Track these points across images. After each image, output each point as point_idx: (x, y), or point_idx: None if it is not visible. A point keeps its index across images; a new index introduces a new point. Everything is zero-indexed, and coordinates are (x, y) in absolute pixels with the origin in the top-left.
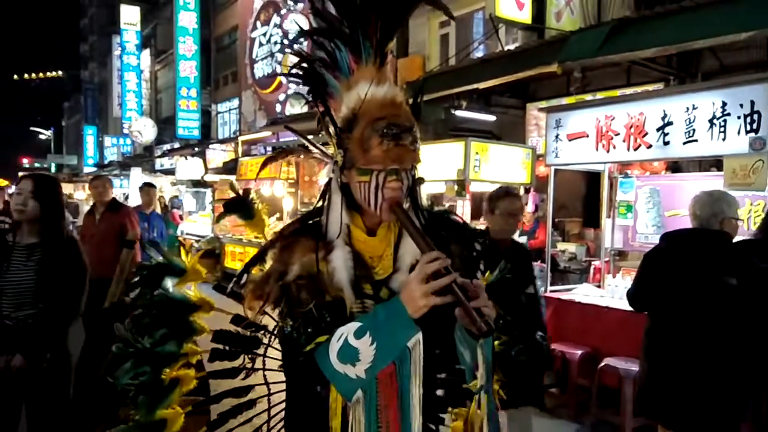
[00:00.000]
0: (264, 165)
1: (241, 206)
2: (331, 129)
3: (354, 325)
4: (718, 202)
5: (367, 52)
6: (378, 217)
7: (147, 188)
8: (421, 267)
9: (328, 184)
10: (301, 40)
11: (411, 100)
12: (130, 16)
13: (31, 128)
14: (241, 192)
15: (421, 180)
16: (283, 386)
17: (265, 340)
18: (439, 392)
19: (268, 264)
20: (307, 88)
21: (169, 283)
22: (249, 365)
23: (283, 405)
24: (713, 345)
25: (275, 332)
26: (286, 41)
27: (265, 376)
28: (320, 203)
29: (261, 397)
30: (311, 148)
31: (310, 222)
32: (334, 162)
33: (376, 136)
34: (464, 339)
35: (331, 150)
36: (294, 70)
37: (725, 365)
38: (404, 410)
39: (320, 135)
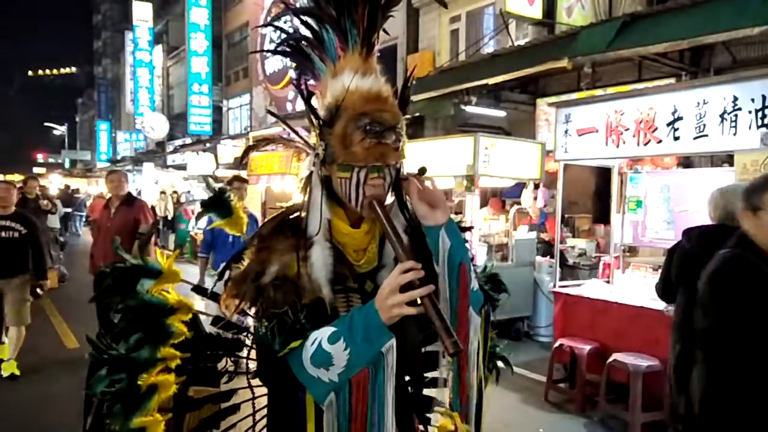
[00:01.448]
0: (245, 154)
1: (217, 204)
2: (314, 118)
3: (328, 330)
4: (731, 197)
5: (354, 40)
6: (360, 213)
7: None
8: (394, 276)
9: (308, 177)
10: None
11: (398, 93)
12: (142, 12)
13: (46, 124)
14: (217, 190)
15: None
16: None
17: (249, 342)
18: (427, 392)
19: (247, 262)
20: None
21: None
22: (231, 368)
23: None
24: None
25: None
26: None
27: (248, 379)
28: (301, 196)
29: (245, 401)
30: (293, 136)
31: (291, 217)
32: (315, 154)
33: (358, 133)
34: None
35: (313, 140)
36: (281, 47)
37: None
38: (378, 414)
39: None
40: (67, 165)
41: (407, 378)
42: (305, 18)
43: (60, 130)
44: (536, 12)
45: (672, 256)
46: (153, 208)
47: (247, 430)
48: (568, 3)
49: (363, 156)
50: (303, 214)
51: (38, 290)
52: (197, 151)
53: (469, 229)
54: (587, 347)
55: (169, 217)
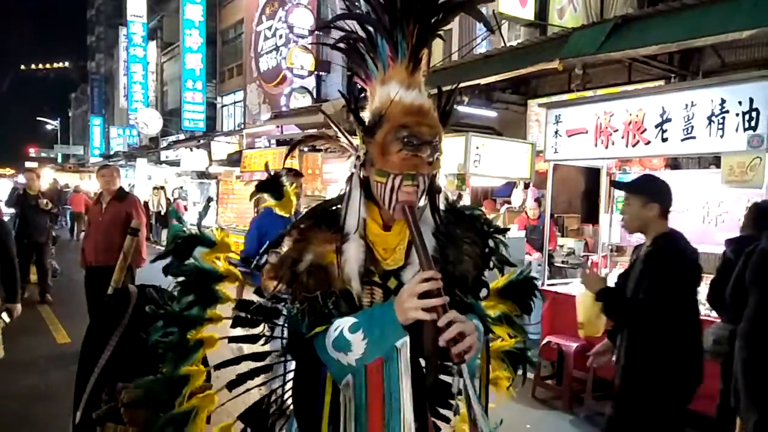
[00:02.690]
0: (292, 149)
1: (273, 186)
2: (358, 124)
3: (350, 320)
4: None
5: (403, 53)
6: (392, 216)
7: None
8: (414, 282)
9: (350, 178)
10: (305, 34)
11: (441, 107)
12: (136, 8)
13: (38, 118)
14: (274, 174)
15: (438, 189)
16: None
17: (285, 312)
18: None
19: (285, 249)
20: (311, 83)
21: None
22: (268, 333)
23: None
24: None
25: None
26: (292, 35)
27: (282, 343)
28: (342, 192)
29: (277, 363)
30: (339, 134)
31: (328, 211)
32: (357, 156)
33: (396, 144)
34: None
35: (356, 141)
36: (340, 44)
37: None
38: (392, 404)
39: (345, 122)
40: (59, 160)
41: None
42: (363, 23)
43: (53, 124)
44: (528, 13)
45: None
46: (146, 203)
47: (276, 388)
48: (560, 5)
49: (398, 165)
50: (341, 211)
51: (3, 317)
52: (191, 147)
53: (506, 230)
54: (574, 344)
55: (162, 213)
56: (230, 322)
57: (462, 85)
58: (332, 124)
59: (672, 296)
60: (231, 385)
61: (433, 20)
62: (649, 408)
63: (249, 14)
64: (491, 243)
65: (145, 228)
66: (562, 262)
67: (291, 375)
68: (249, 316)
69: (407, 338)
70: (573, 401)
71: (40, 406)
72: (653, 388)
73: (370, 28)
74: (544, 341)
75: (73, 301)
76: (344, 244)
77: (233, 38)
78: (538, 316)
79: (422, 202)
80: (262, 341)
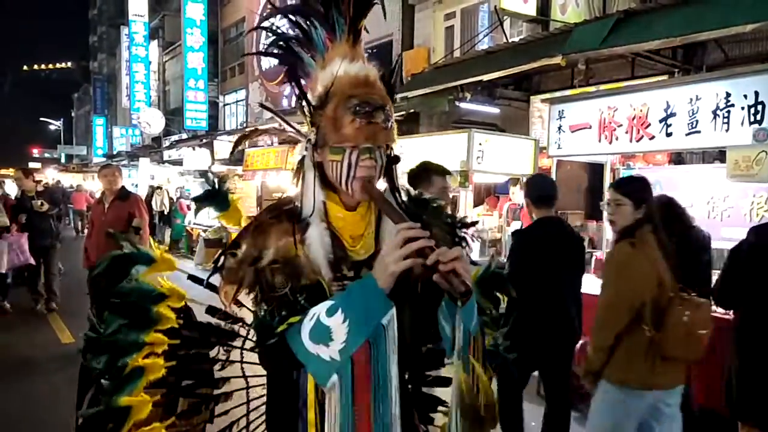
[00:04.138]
0: (237, 144)
1: (214, 197)
2: (306, 109)
3: (326, 304)
4: None
5: (341, 29)
6: (352, 197)
7: None
8: (395, 234)
9: (301, 162)
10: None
11: (385, 78)
12: (138, 7)
13: (41, 119)
14: (216, 182)
15: (397, 159)
16: (263, 380)
17: (243, 333)
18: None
19: (243, 248)
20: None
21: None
22: (223, 357)
23: (262, 399)
24: None
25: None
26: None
27: (242, 368)
28: (294, 183)
29: (238, 390)
30: (284, 126)
31: (285, 208)
32: (308, 140)
33: (348, 114)
34: (446, 310)
35: (305, 128)
36: (271, 49)
37: None
38: (380, 392)
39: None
40: (63, 160)
41: (406, 375)
42: (294, 18)
43: (56, 125)
44: (531, 9)
45: (737, 256)
46: (149, 203)
47: (240, 417)
48: (562, 0)
49: (354, 136)
50: (297, 199)
51: None
52: (193, 147)
53: (473, 224)
54: (579, 341)
55: (166, 212)
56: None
57: (464, 81)
58: (275, 115)
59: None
60: (182, 416)
61: None
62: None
63: (250, 13)
64: (460, 233)
65: (147, 227)
66: None
67: (255, 403)
68: (200, 337)
69: (393, 310)
70: (577, 398)
71: (43, 406)
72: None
73: (302, 22)
74: None
75: (77, 301)
76: (305, 232)
77: (235, 37)
78: None
79: (381, 184)
80: (218, 366)
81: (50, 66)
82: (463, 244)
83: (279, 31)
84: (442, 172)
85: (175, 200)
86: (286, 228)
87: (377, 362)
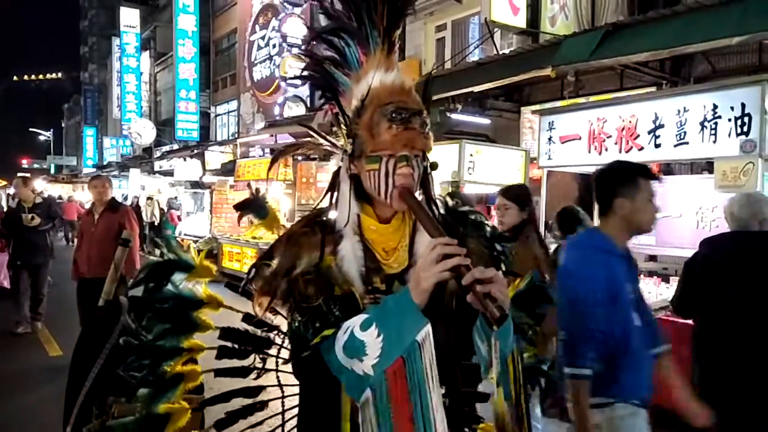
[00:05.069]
0: (275, 160)
1: (255, 206)
2: (342, 122)
3: (360, 317)
4: (758, 203)
5: (375, 42)
6: (389, 207)
7: None
8: (431, 246)
9: (336, 174)
10: (299, 44)
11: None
12: (129, 18)
13: (31, 129)
14: (255, 192)
15: (435, 165)
16: (298, 389)
17: (278, 341)
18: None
19: (276, 261)
20: (304, 92)
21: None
22: (260, 365)
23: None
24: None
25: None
26: (285, 44)
27: (278, 377)
28: (329, 195)
29: (274, 399)
30: (320, 139)
31: (318, 219)
32: (344, 151)
33: (385, 121)
34: (482, 331)
35: (340, 142)
36: (305, 72)
37: None
38: (421, 409)
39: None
40: (52, 171)
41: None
42: (329, 38)
43: (45, 135)
44: (521, 21)
45: (691, 268)
46: (139, 214)
47: (275, 428)
48: (551, 12)
49: (391, 143)
50: (331, 211)
51: None
52: (184, 157)
53: (513, 239)
54: None
55: (156, 223)
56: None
57: (456, 92)
58: (311, 130)
59: None
60: (220, 425)
61: None
62: None
63: (242, 24)
64: (498, 247)
65: (138, 238)
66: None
67: (291, 413)
68: (237, 346)
69: (429, 327)
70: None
71: (30, 420)
72: None
73: (336, 42)
74: None
75: (66, 314)
76: (338, 244)
77: (227, 48)
78: None
79: (418, 195)
80: (253, 375)
81: (40, 76)
82: (502, 258)
83: (312, 54)
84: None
85: (165, 211)
86: (318, 240)
87: (413, 378)
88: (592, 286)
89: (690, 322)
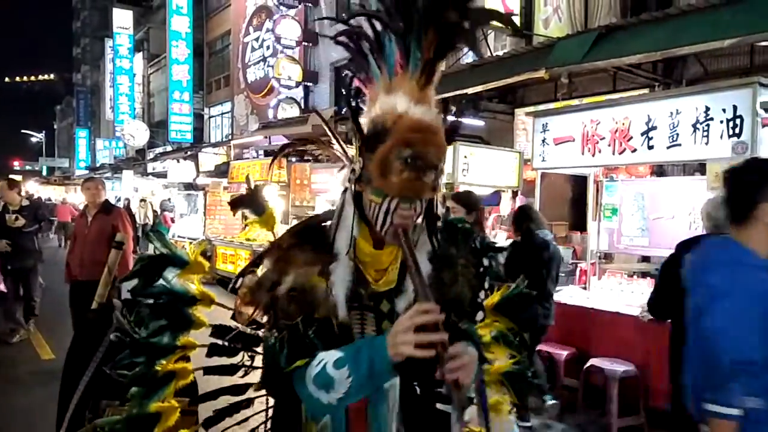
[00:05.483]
0: (279, 153)
1: (252, 202)
2: (357, 137)
3: (335, 355)
4: None
5: (415, 64)
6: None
7: None
8: (410, 315)
9: (344, 193)
10: (293, 45)
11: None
12: (122, 20)
13: (23, 131)
14: (254, 187)
15: (438, 216)
16: None
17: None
18: None
19: (264, 270)
20: (299, 94)
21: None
22: (248, 363)
23: None
24: None
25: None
26: (279, 46)
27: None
28: (332, 208)
29: (259, 396)
30: (334, 143)
31: (313, 228)
32: (352, 170)
33: (399, 164)
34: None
35: (352, 152)
36: (342, 38)
37: None
38: None
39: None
40: (44, 173)
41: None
42: (372, 20)
43: (37, 137)
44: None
45: (666, 270)
46: (132, 216)
47: (258, 426)
48: (545, 15)
49: (398, 188)
50: (331, 229)
51: None
52: (178, 159)
53: (502, 249)
54: (564, 353)
55: (149, 225)
56: (205, 351)
57: (450, 94)
58: (327, 129)
59: None
60: (208, 423)
61: (459, 32)
62: None
63: (236, 25)
64: (485, 262)
65: (131, 241)
66: None
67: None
68: (227, 344)
69: (397, 381)
70: (564, 410)
71: (22, 424)
72: None
73: (378, 26)
74: (535, 350)
75: (58, 316)
76: (332, 265)
77: (220, 49)
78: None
79: (418, 219)
80: (241, 372)
81: (33, 78)
82: (488, 273)
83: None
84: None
85: (159, 213)
86: (308, 256)
87: (374, 419)
88: (749, 307)
89: None
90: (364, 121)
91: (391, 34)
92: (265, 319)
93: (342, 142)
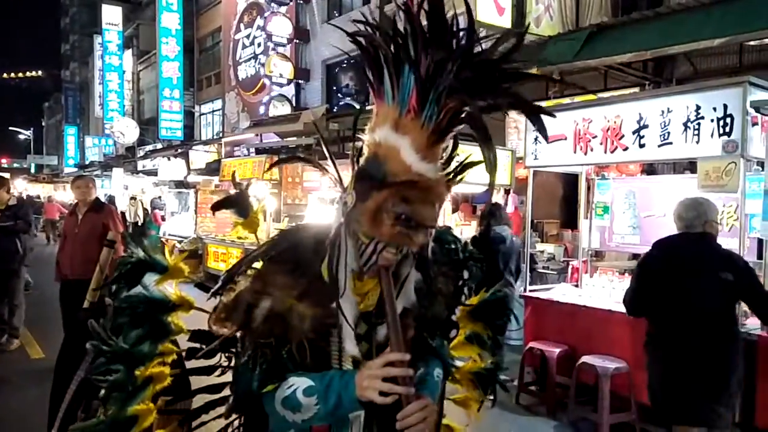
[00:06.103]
0: (272, 167)
1: (236, 204)
2: (354, 176)
3: (306, 382)
4: (702, 206)
5: (429, 119)
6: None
7: None
8: (380, 364)
9: (339, 227)
10: (284, 42)
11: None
12: (111, 16)
13: (11, 128)
14: (239, 189)
15: (429, 262)
16: None
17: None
18: None
19: (240, 287)
20: (290, 92)
21: (149, 280)
22: (225, 363)
23: None
24: (717, 336)
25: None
26: (271, 43)
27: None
28: (308, 223)
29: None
30: (330, 169)
31: (297, 246)
32: (344, 203)
33: (391, 217)
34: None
35: (347, 181)
36: (362, 45)
37: (727, 352)
38: None
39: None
40: (32, 170)
41: None
42: (398, 39)
43: (25, 134)
44: (506, 22)
45: (643, 268)
46: (123, 214)
47: (233, 419)
48: (536, 13)
49: (387, 237)
50: (314, 254)
51: None
52: (168, 157)
53: (481, 259)
54: (557, 350)
55: (140, 223)
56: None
57: None
58: (325, 150)
59: None
60: (183, 421)
61: (481, 103)
62: None
63: (227, 23)
64: (466, 274)
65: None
66: (543, 267)
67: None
68: (205, 347)
69: (362, 413)
70: (557, 407)
71: (13, 424)
72: None
73: (399, 42)
74: (527, 347)
75: (48, 316)
76: (340, 300)
77: (211, 47)
78: (520, 321)
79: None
80: (218, 372)
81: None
82: (474, 269)
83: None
84: None
85: (149, 211)
86: (287, 281)
87: None
88: None
89: None
90: (364, 138)
91: (412, 71)
92: (239, 334)
93: (336, 168)
